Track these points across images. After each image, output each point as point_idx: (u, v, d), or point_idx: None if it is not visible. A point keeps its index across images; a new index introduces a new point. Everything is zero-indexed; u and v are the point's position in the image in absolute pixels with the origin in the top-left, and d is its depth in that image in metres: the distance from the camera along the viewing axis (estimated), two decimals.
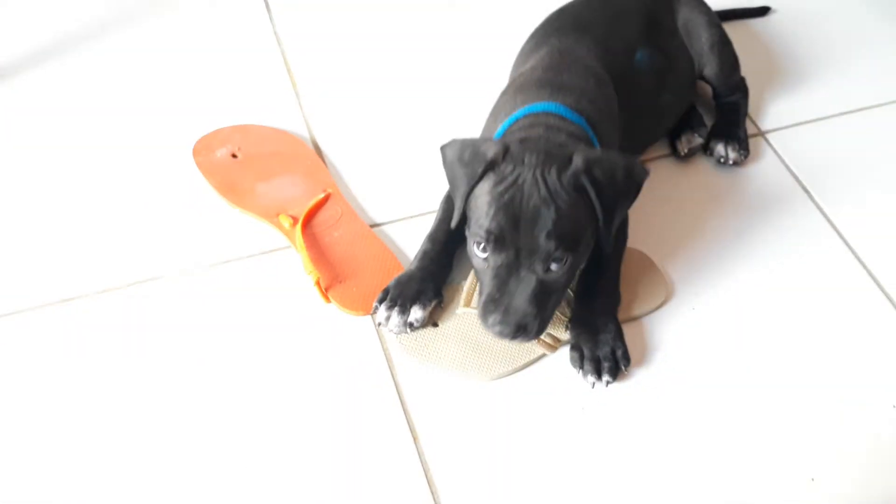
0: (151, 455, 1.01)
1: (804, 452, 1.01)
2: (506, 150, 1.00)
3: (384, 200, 1.27)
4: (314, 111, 1.41)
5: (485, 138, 1.07)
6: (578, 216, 0.98)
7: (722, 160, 1.32)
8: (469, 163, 1.01)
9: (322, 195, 1.25)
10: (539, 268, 0.98)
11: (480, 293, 1.03)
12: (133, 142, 1.36)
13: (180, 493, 0.98)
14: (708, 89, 1.39)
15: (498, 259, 0.99)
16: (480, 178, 1.00)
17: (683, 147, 1.32)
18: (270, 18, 1.57)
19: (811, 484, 0.99)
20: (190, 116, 1.38)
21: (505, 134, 1.09)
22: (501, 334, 1.00)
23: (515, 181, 0.98)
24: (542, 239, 0.96)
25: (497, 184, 0.99)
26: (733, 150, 1.31)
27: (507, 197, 0.97)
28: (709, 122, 1.37)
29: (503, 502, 0.98)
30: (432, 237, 1.16)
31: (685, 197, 1.28)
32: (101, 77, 1.46)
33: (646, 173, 1.03)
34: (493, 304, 0.99)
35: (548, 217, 0.96)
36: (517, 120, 1.09)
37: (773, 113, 1.42)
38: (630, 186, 1.02)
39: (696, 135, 1.33)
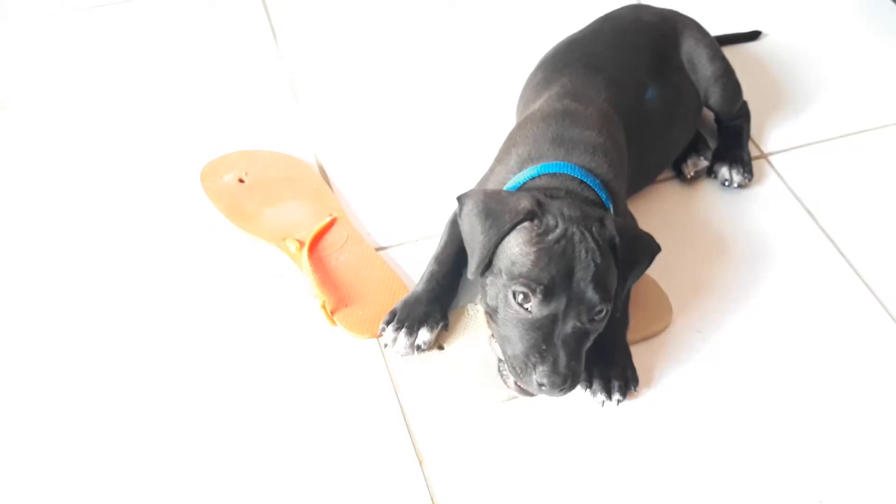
0: (156, 485, 1.01)
1: (812, 475, 1.01)
2: (540, 204, 1.00)
3: (389, 224, 1.28)
4: (320, 136, 1.42)
5: (511, 191, 1.06)
6: (612, 274, 1.00)
7: (726, 183, 1.32)
8: (497, 213, 1.00)
9: (328, 219, 1.26)
10: (585, 318, 0.97)
11: (504, 342, 0.99)
12: (141, 167, 1.37)
13: None
14: (710, 113, 1.40)
15: (545, 310, 0.97)
16: (512, 228, 0.99)
17: (689, 171, 1.33)
18: (276, 44, 1.59)
19: None
20: (197, 142, 1.40)
21: (521, 189, 1.08)
22: (552, 386, 0.95)
23: (564, 234, 0.98)
24: (590, 290, 0.96)
25: (542, 234, 0.98)
26: (737, 173, 1.32)
27: (559, 248, 0.97)
28: (712, 144, 1.38)
29: None
30: (438, 259, 1.16)
31: (690, 219, 1.29)
32: (109, 104, 1.48)
33: (659, 248, 1.06)
34: (540, 357, 0.95)
35: (598, 271, 0.97)
36: (532, 179, 1.09)
37: (775, 135, 1.43)
38: (646, 257, 1.05)
39: (701, 158, 1.34)
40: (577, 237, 0.98)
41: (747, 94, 1.40)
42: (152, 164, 1.37)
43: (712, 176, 1.34)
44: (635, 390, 1.07)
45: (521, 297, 0.97)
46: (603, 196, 1.09)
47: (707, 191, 1.33)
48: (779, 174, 1.36)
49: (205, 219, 1.28)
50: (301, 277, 1.20)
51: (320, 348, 1.13)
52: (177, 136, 1.42)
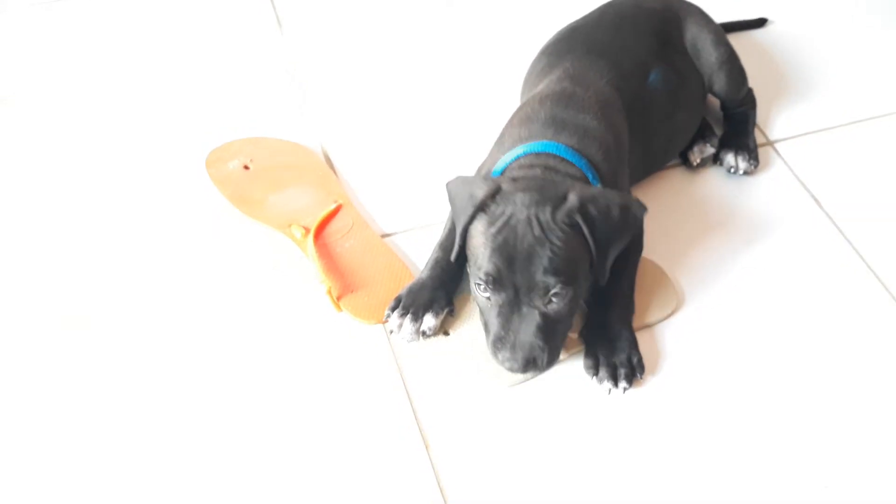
0: (161, 466, 1.01)
1: (818, 459, 1.01)
2: (496, 191, 1.02)
3: (394, 210, 1.28)
4: (324, 123, 1.42)
5: (479, 177, 1.09)
6: (574, 252, 1.00)
7: (732, 170, 1.32)
8: (464, 205, 1.04)
9: (333, 206, 1.25)
10: (539, 303, 1.00)
11: (486, 329, 1.05)
12: (146, 155, 1.37)
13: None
14: (716, 100, 1.39)
15: (499, 298, 1.01)
16: (472, 218, 1.02)
17: (695, 157, 1.32)
18: (281, 32, 1.59)
19: (825, 491, 0.98)
20: (202, 130, 1.40)
21: (504, 172, 1.11)
22: (512, 369, 1.02)
23: (508, 222, 1.00)
24: (538, 276, 0.99)
25: (490, 224, 1.01)
26: (743, 160, 1.32)
27: (500, 238, 1.00)
28: (718, 132, 1.37)
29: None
30: (443, 245, 1.16)
31: (696, 206, 1.28)
32: (113, 93, 1.48)
33: (643, 210, 1.05)
34: (501, 342, 1.02)
35: (543, 255, 0.98)
36: (518, 159, 1.11)
37: (781, 122, 1.42)
38: (625, 223, 1.04)
39: (707, 145, 1.33)
40: (521, 225, 0.99)
41: (753, 82, 1.39)
42: (157, 152, 1.37)
43: (718, 163, 1.33)
44: (641, 378, 1.07)
45: (481, 286, 1.01)
46: (589, 175, 1.09)
47: (713, 178, 1.33)
48: (785, 161, 1.36)
49: (210, 206, 1.28)
50: (306, 264, 1.20)
51: (326, 334, 1.13)
52: (181, 123, 1.42)
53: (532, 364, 1.01)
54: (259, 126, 1.40)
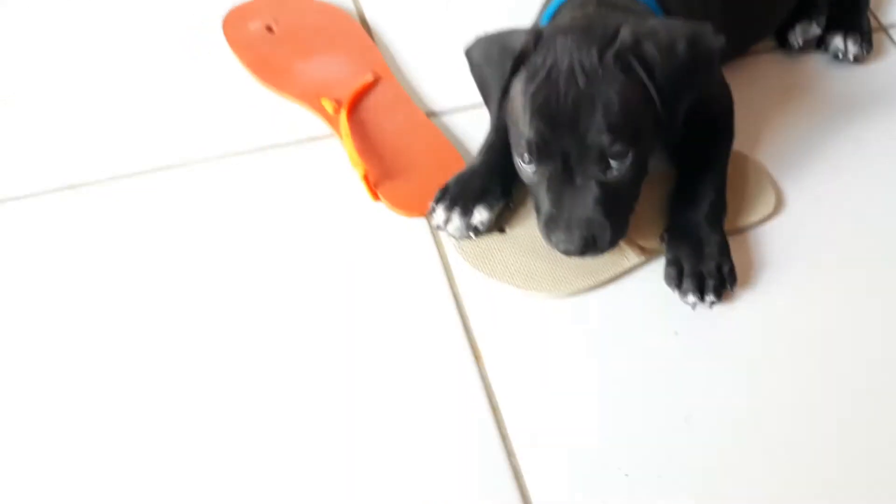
0: (163, 364, 0.87)
1: None
2: (538, 39, 0.86)
3: (443, 85, 1.11)
4: None
5: (513, 29, 0.91)
6: (632, 102, 0.84)
7: (840, 55, 1.13)
8: (498, 61, 0.88)
9: (371, 77, 1.09)
10: (595, 170, 0.84)
11: (538, 210, 0.89)
12: (154, 11, 1.22)
13: (210, 417, 0.84)
14: None
15: (545, 170, 0.86)
16: (511, 76, 0.87)
17: (797, 38, 1.14)
18: None
19: None
20: None
21: (552, 18, 0.94)
22: (568, 252, 0.87)
23: (549, 75, 0.83)
24: (590, 138, 0.83)
25: (531, 79, 0.84)
26: (854, 42, 1.13)
27: (541, 97, 0.84)
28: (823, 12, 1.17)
29: (579, 437, 0.83)
30: (499, 127, 0.99)
31: (796, 97, 1.11)
32: None
33: (718, 41, 0.87)
34: (553, 222, 0.87)
35: (593, 111, 0.82)
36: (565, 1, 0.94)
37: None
38: (696, 60, 0.85)
39: (813, 23, 1.14)
40: (563, 76, 0.83)
41: None
42: (166, 7, 1.22)
43: (823, 47, 1.14)
44: (732, 290, 0.91)
45: (522, 159, 0.88)
46: (652, 5, 0.92)
47: (817, 64, 1.14)
48: None
49: (227, 74, 1.13)
50: (338, 144, 1.04)
51: (361, 226, 0.98)
52: None
53: (592, 245, 0.86)
54: None
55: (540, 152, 0.85)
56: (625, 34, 0.84)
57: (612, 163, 0.85)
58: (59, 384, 0.86)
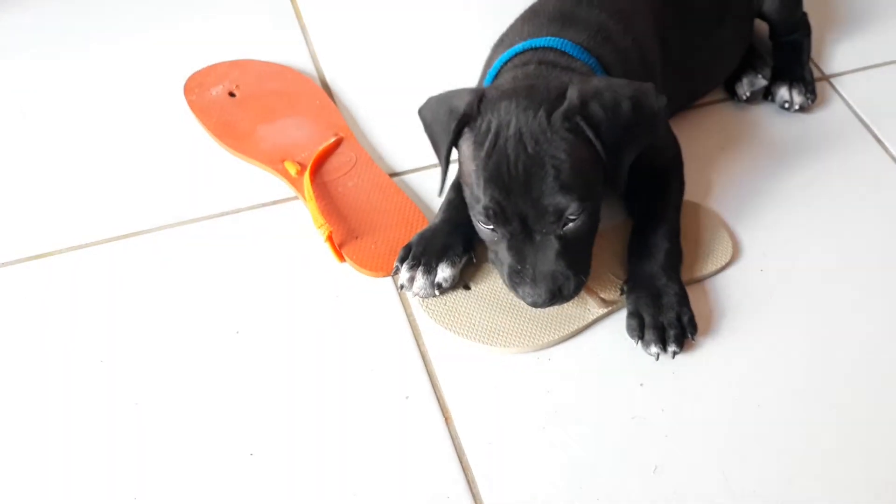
0: (142, 423, 0.86)
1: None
2: (480, 100, 0.87)
3: (404, 145, 1.12)
4: (322, 45, 1.26)
5: (460, 89, 0.92)
6: (583, 161, 0.86)
7: (786, 105, 1.17)
8: (445, 122, 0.89)
9: (333, 139, 1.10)
10: (553, 227, 0.86)
11: (499, 263, 0.91)
12: (115, 78, 1.22)
13: (170, 486, 0.83)
14: (764, 27, 1.24)
15: (506, 230, 0.88)
16: (455, 138, 0.88)
17: (745, 90, 1.17)
18: None
19: None
20: (181, 50, 1.24)
21: (496, 76, 0.96)
22: (536, 305, 0.89)
23: (496, 141, 0.85)
24: (545, 199, 0.84)
25: (479, 144, 0.86)
26: (799, 93, 1.16)
27: (491, 163, 0.85)
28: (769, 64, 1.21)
29: (549, 490, 0.83)
30: (457, 185, 1.00)
31: (746, 146, 1.14)
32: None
33: (662, 100, 0.89)
34: (518, 275, 0.88)
35: (544, 175, 0.84)
36: (511, 58, 0.96)
37: (837, 55, 1.27)
38: (640, 119, 0.87)
39: (759, 76, 1.18)
40: (511, 142, 0.84)
41: (807, 8, 1.23)
42: (128, 74, 1.22)
43: (769, 98, 1.18)
44: (693, 339, 0.92)
45: (482, 221, 0.88)
46: (599, 73, 0.94)
47: (764, 114, 1.18)
48: (842, 97, 1.21)
49: (189, 138, 1.13)
50: (302, 206, 1.05)
51: (327, 287, 0.98)
52: (157, 41, 1.26)
53: (558, 295, 0.88)
54: (246, 47, 1.24)
55: (497, 217, 0.86)
56: (572, 95, 0.85)
57: (570, 219, 0.86)
58: (23, 450, 0.84)
